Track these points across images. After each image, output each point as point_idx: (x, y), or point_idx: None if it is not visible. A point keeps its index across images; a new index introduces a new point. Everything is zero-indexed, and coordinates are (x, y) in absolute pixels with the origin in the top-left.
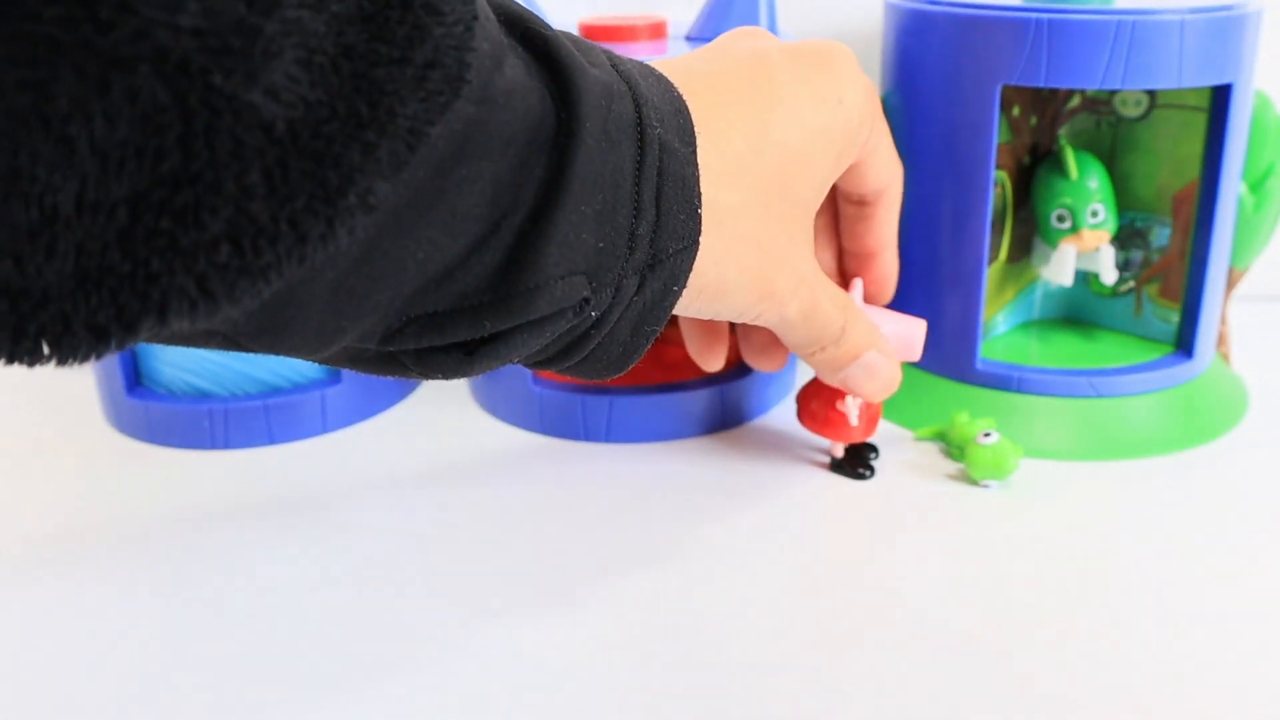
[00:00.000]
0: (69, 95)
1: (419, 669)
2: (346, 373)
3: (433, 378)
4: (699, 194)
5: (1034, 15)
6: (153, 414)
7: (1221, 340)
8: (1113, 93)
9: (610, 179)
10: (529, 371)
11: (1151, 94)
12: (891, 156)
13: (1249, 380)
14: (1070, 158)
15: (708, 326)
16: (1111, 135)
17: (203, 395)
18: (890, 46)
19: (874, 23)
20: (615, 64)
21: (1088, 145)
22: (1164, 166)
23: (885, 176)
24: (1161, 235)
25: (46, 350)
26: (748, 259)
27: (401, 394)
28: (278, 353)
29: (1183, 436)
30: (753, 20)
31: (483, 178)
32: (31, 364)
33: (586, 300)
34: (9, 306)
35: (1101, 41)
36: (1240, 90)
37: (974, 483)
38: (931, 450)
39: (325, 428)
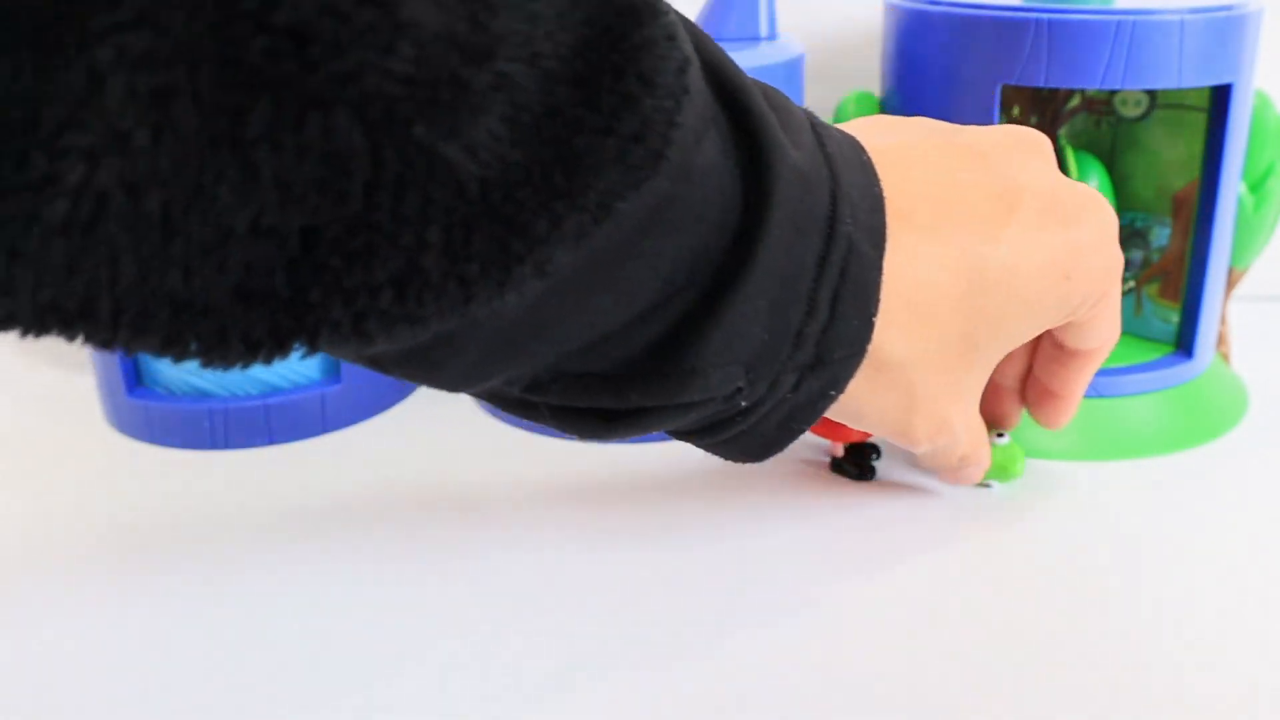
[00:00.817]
0: (263, 125)
1: (418, 668)
2: (346, 373)
3: (569, 433)
4: (878, 301)
5: (1034, 15)
6: (153, 414)
7: (1221, 340)
8: (1113, 93)
9: (790, 273)
10: None
11: (1151, 94)
12: (1109, 326)
13: (1249, 380)
14: (1070, 158)
15: None
16: (1111, 135)
17: (203, 395)
18: (890, 46)
19: (874, 23)
20: (822, 141)
21: (1088, 145)
22: (1164, 166)
23: (1094, 341)
24: (1161, 235)
25: (196, 356)
26: (891, 406)
27: (401, 394)
28: (420, 384)
29: (1183, 436)
30: (753, 20)
31: (664, 254)
32: (177, 360)
33: (739, 390)
34: (169, 315)
35: (1101, 41)
36: (1240, 90)
37: (978, 483)
38: None
39: (325, 428)
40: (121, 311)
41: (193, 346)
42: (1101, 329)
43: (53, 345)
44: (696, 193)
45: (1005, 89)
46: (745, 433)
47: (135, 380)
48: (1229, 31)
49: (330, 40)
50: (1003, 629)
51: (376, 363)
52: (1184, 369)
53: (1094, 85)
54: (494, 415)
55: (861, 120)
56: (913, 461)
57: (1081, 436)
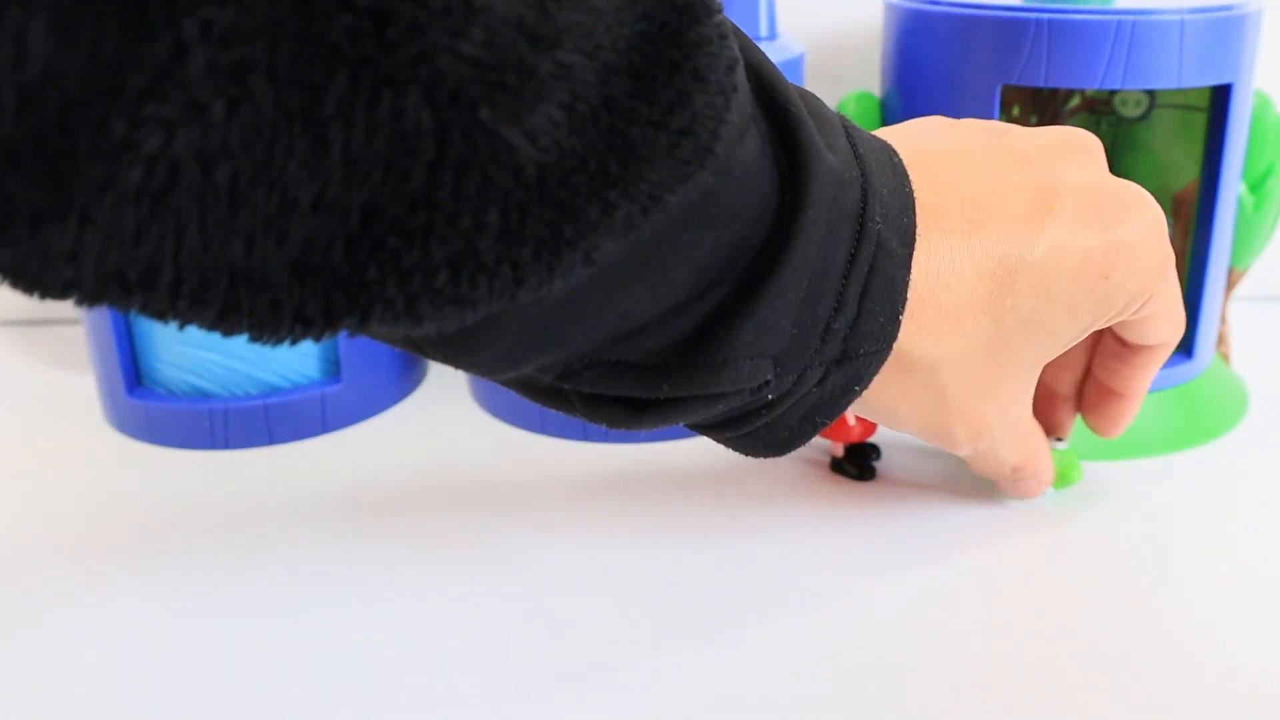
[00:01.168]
0: (337, 101)
1: (420, 668)
2: (346, 372)
3: (598, 423)
4: (905, 299)
5: (1034, 15)
6: (153, 414)
7: (1221, 340)
8: (1113, 93)
9: (820, 269)
10: None
11: (1151, 94)
12: (1170, 320)
13: (1249, 380)
14: None
15: None
16: (1111, 135)
17: (203, 395)
18: (890, 46)
19: (874, 23)
20: (855, 144)
21: None
22: (1164, 166)
23: (1154, 337)
24: None
25: (247, 330)
26: (924, 408)
27: (401, 394)
28: (457, 367)
29: (1183, 436)
30: (753, 20)
31: (701, 247)
32: (226, 335)
33: (767, 383)
34: (227, 287)
35: (1101, 41)
36: (1240, 90)
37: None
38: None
39: (325, 428)
40: (182, 282)
41: (245, 321)
42: (1160, 326)
43: (53, 345)
44: (737, 189)
45: (1005, 89)
46: (768, 426)
47: (135, 380)
48: (1229, 31)
49: (408, 21)
50: (1000, 627)
51: (416, 345)
52: (1184, 369)
53: (1094, 85)
54: (494, 415)
55: (917, 121)
56: (978, 470)
57: (1082, 436)
